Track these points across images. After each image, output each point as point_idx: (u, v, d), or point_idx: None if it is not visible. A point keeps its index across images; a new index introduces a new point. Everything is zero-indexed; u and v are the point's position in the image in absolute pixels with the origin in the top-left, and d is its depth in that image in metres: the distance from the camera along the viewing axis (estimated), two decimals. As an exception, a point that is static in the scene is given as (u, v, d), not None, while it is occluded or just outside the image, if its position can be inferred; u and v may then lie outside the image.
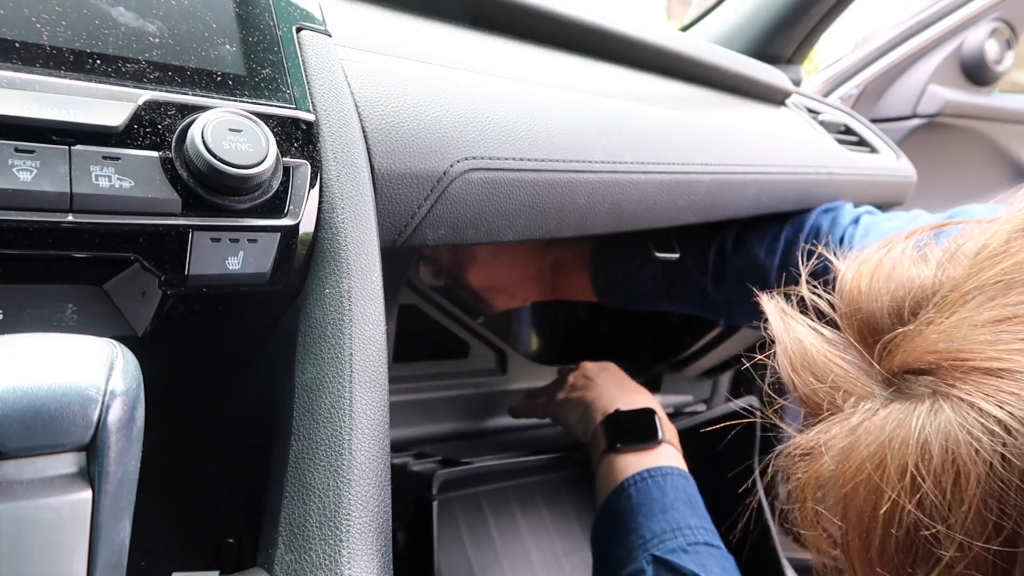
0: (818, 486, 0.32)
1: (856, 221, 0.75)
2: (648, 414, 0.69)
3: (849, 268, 0.34)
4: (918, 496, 0.27)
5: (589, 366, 0.81)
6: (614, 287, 0.87)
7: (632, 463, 0.65)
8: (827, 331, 0.34)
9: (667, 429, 0.69)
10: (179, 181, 0.34)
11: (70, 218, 0.31)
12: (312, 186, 0.39)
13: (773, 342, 0.35)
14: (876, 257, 0.34)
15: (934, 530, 0.26)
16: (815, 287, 0.37)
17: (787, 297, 0.37)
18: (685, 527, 0.60)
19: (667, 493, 0.62)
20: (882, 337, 0.31)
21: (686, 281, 0.82)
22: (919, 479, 0.27)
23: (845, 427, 0.30)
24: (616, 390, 0.75)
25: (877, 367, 0.31)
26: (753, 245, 0.78)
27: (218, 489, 0.48)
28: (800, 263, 0.38)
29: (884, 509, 0.27)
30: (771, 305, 0.37)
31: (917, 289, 0.31)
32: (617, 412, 0.70)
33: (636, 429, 0.68)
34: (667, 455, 0.67)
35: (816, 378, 0.33)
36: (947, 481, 0.26)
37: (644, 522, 0.60)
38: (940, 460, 0.26)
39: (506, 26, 0.65)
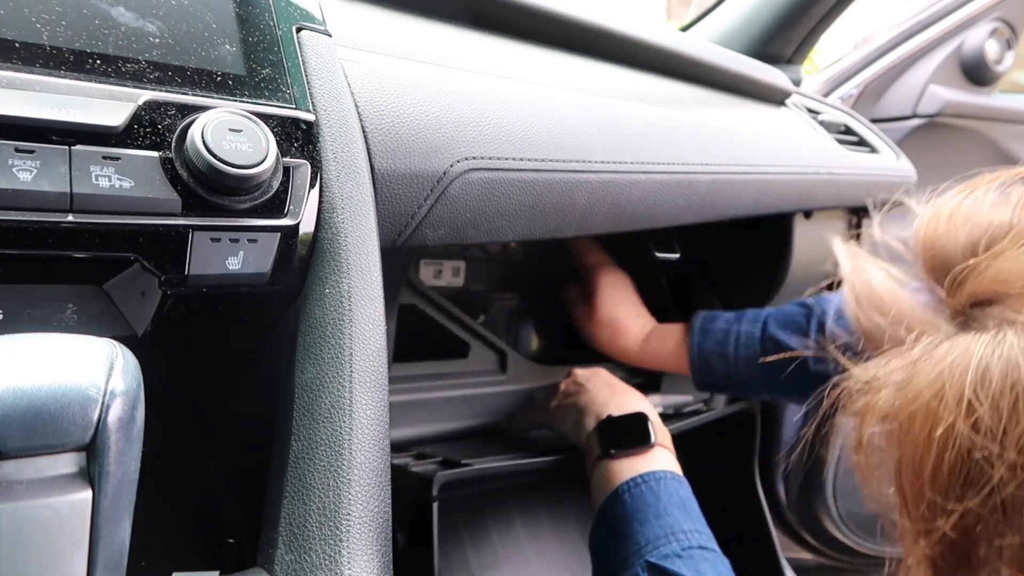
0: (874, 418, 0.33)
1: None
2: (640, 418, 0.69)
3: (927, 211, 0.35)
4: (974, 418, 0.27)
5: (579, 372, 0.81)
6: (710, 365, 0.81)
7: (626, 468, 0.65)
8: (896, 271, 0.35)
9: (659, 432, 0.69)
10: (179, 181, 0.34)
11: (70, 218, 0.31)
12: (312, 186, 0.39)
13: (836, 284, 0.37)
14: (955, 200, 0.35)
15: (987, 452, 0.27)
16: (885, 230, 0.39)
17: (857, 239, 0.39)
18: (679, 531, 0.60)
19: (660, 498, 0.62)
20: (952, 270, 0.32)
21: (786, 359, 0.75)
22: (976, 403, 0.27)
23: (906, 359, 0.31)
24: (607, 393, 0.75)
25: (945, 298, 0.32)
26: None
27: (218, 489, 0.48)
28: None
29: (939, 432, 0.28)
30: (841, 246, 0.38)
31: (995, 228, 0.32)
32: (609, 418, 0.70)
33: (628, 434, 0.68)
34: (660, 459, 0.67)
35: (880, 314, 0.34)
36: (1005, 405, 0.27)
37: (639, 528, 0.60)
38: (999, 385, 0.27)
39: (506, 26, 0.65)
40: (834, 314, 0.72)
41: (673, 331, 0.85)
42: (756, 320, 0.79)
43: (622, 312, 0.88)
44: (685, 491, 0.64)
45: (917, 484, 0.30)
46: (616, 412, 0.71)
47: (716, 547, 0.61)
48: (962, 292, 0.31)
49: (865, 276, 0.36)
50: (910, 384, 0.30)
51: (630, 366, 1.00)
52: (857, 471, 0.36)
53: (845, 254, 0.38)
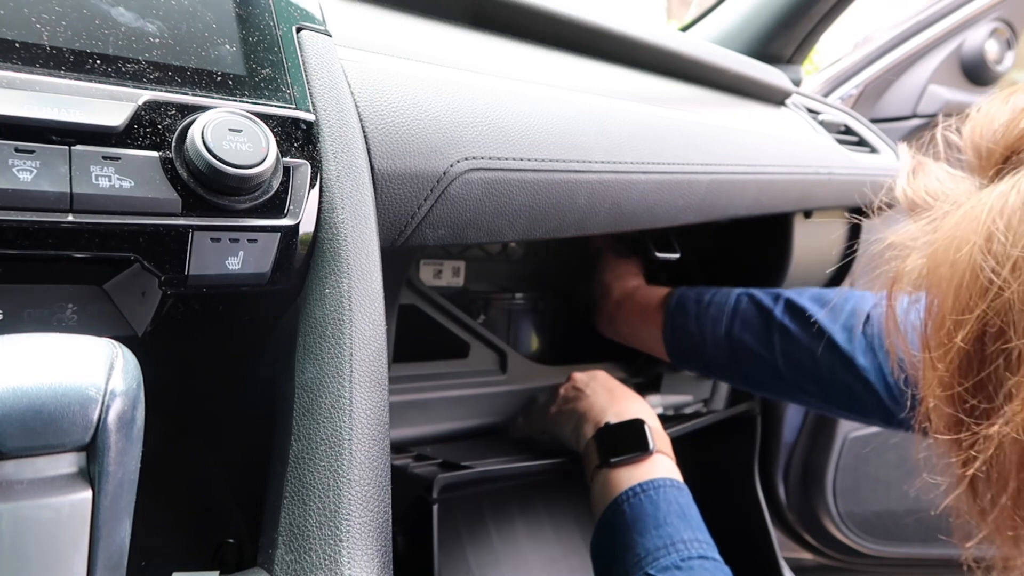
0: (904, 277, 0.37)
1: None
2: (638, 425, 0.68)
3: (979, 105, 0.39)
4: (987, 234, 0.31)
5: (578, 376, 0.80)
6: (682, 345, 0.82)
7: (625, 478, 0.65)
8: (952, 169, 0.39)
9: (658, 438, 0.68)
10: (179, 181, 0.34)
11: (70, 218, 0.31)
12: (312, 186, 0.39)
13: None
14: (1004, 95, 0.38)
15: (998, 259, 0.30)
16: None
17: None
18: (679, 541, 0.59)
19: (660, 507, 0.62)
20: (990, 135, 0.35)
21: (753, 355, 0.76)
22: (993, 227, 0.31)
23: (934, 219, 0.35)
24: (606, 399, 0.74)
25: (981, 163, 0.35)
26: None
27: (218, 489, 0.48)
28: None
29: (960, 256, 0.32)
30: (904, 146, 0.43)
31: None
32: (608, 426, 0.70)
33: (627, 442, 0.68)
34: (660, 466, 0.66)
35: (926, 192, 0.38)
36: (1017, 220, 0.30)
37: (638, 539, 0.60)
38: (1014, 207, 0.30)
39: (506, 26, 0.65)
40: (810, 295, 0.74)
41: (657, 288, 0.88)
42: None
43: (622, 275, 0.93)
44: (685, 498, 0.64)
45: (940, 316, 0.34)
46: (615, 418, 0.70)
47: (716, 555, 0.60)
48: (996, 148, 0.34)
49: (922, 165, 0.40)
50: (936, 233, 0.34)
51: (633, 367, 1.00)
52: (885, 330, 0.41)
53: (906, 151, 0.42)
